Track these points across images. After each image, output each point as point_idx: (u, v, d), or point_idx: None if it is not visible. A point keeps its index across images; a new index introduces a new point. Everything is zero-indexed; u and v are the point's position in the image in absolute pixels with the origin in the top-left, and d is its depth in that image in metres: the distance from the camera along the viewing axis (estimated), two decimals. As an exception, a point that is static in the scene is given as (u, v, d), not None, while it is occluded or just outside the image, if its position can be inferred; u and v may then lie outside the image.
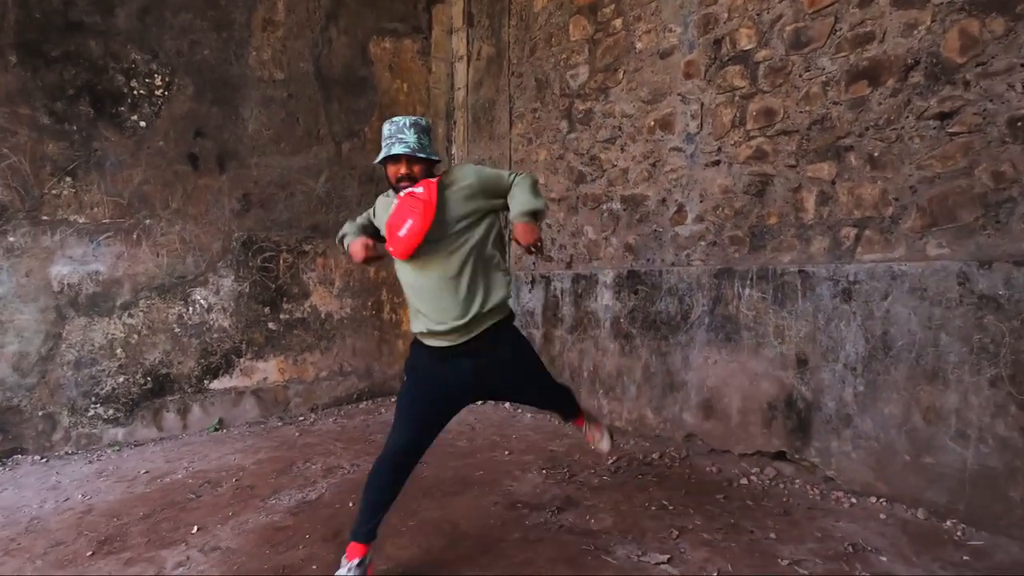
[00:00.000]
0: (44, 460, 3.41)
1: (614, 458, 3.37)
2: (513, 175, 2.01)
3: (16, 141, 3.39)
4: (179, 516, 2.64)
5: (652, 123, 3.75)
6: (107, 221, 3.69)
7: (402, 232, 1.80)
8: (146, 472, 3.22)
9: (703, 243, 3.47)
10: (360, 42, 4.90)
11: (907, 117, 2.65)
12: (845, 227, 2.87)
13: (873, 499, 2.67)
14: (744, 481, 2.98)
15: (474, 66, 5.27)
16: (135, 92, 3.79)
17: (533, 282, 4.54)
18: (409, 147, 1.84)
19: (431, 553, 2.25)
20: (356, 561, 1.92)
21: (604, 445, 2.62)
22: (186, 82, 3.99)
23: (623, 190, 3.94)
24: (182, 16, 3.96)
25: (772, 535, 2.37)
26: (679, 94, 3.58)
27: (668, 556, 2.19)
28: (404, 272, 1.98)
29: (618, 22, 3.96)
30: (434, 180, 1.88)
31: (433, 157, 1.90)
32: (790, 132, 3.06)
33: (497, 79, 4.99)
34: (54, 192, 3.52)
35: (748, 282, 3.20)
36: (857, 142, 2.81)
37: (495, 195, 1.97)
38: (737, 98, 3.29)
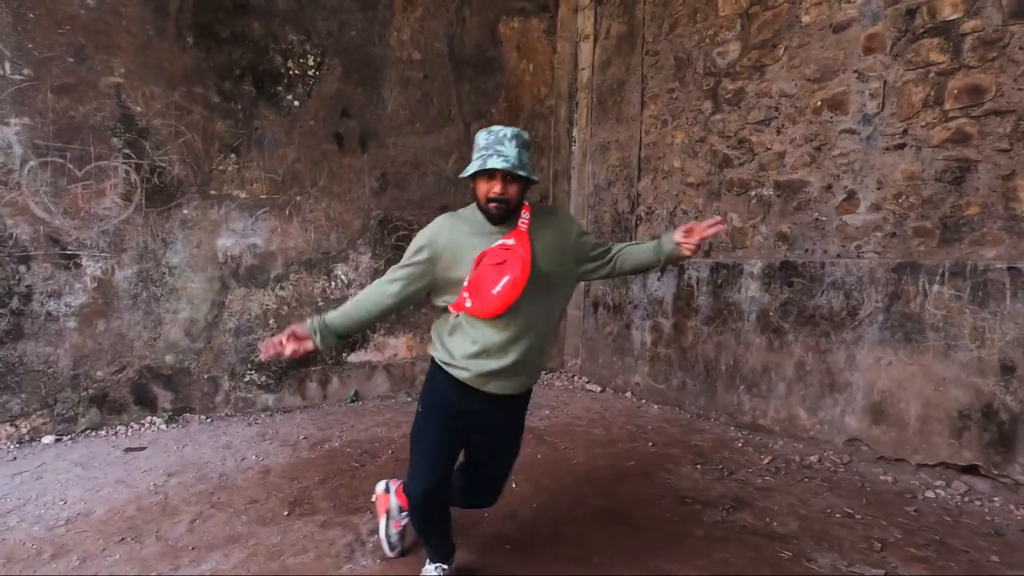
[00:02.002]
0: (209, 420, 3.64)
1: (769, 458, 3.21)
2: (613, 245, 1.84)
3: (191, 119, 3.58)
4: (352, 483, 2.72)
5: (818, 103, 3.47)
6: (264, 197, 3.86)
7: (496, 289, 1.54)
8: (304, 438, 3.36)
9: (879, 234, 3.20)
10: (490, 22, 4.85)
11: None
12: (1073, 220, 2.54)
13: (1100, 527, 2.38)
14: (930, 494, 2.74)
15: (601, 45, 5.11)
16: (291, 72, 3.91)
17: (662, 269, 4.38)
18: (509, 162, 1.53)
19: (618, 542, 2.20)
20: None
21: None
22: (335, 62, 4.08)
23: (777, 175, 3.70)
24: (333, -3, 4.05)
25: (994, 558, 2.15)
26: (855, 71, 3.29)
27: (883, 571, 2.03)
28: (471, 322, 1.66)
29: (780, -6, 3.69)
30: (525, 227, 1.64)
31: (532, 178, 1.60)
32: (1004, 112, 2.73)
33: (628, 58, 4.81)
34: (220, 168, 3.70)
35: (937, 278, 2.92)
36: (1098, 123, 2.47)
37: (584, 260, 1.79)
38: (932, 74, 2.98)
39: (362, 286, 4.19)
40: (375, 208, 4.30)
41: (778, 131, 3.70)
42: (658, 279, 4.42)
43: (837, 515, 2.51)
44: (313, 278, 4.08)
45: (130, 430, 3.38)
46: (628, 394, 4.65)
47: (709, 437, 3.60)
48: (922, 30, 3.01)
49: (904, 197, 3.09)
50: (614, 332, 4.84)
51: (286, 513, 2.39)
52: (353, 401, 4.21)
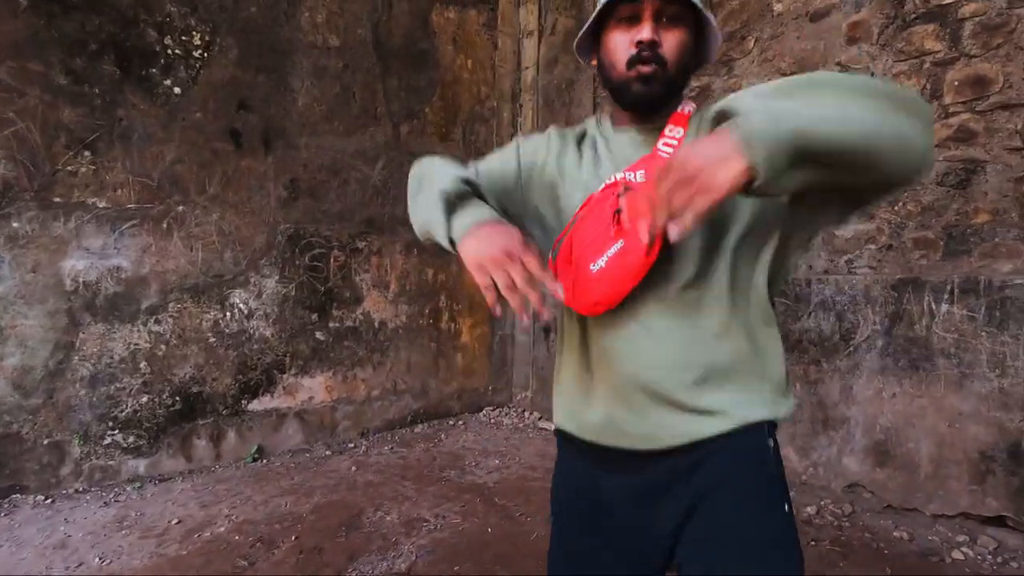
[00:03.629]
0: (49, 501, 2.73)
1: (763, 513, 2.69)
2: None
3: (25, 104, 2.73)
4: (232, 598, 1.96)
5: (796, 100, 3.08)
6: (132, 206, 3.03)
7: (599, 263, 0.87)
8: (178, 522, 2.54)
9: (873, 247, 2.80)
10: (422, 9, 4.25)
11: None
12: (1102, 228, 2.20)
13: None
14: (958, 555, 2.29)
15: (547, 42, 4.62)
16: (169, 51, 3.13)
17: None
18: None
19: None
20: None
21: None
22: (229, 43, 3.33)
23: (751, 182, 3.28)
24: (226, -36, 3.32)
25: (1078, 656, 1.69)
26: (838, 63, 2.92)
27: None
28: (576, 323, 0.99)
29: (747, -19, 3.31)
30: (671, 149, 0.89)
31: (708, 16, 0.90)
32: (1013, 106, 2.40)
33: (577, 55, 4.33)
34: (69, 169, 2.86)
35: (945, 296, 2.53)
36: None
37: None
38: (927, 65, 2.63)
39: (266, 317, 3.44)
40: (283, 221, 3.54)
41: (750, 132, 3.29)
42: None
43: (867, 598, 2.00)
44: (201, 308, 3.25)
45: (-78, 526, 2.44)
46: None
47: (688, 486, 3.06)
48: (914, 16, 2.66)
49: (901, 204, 2.71)
50: (569, 360, 4.27)
51: (117, 668, 1.61)
52: (255, 460, 3.38)
